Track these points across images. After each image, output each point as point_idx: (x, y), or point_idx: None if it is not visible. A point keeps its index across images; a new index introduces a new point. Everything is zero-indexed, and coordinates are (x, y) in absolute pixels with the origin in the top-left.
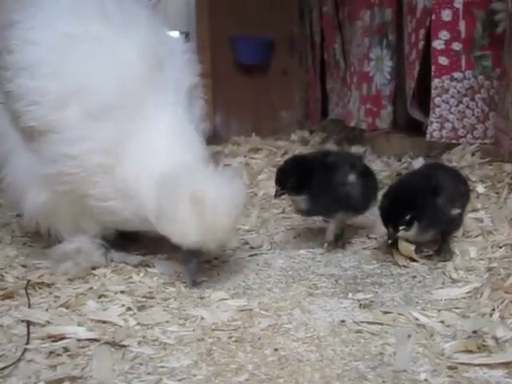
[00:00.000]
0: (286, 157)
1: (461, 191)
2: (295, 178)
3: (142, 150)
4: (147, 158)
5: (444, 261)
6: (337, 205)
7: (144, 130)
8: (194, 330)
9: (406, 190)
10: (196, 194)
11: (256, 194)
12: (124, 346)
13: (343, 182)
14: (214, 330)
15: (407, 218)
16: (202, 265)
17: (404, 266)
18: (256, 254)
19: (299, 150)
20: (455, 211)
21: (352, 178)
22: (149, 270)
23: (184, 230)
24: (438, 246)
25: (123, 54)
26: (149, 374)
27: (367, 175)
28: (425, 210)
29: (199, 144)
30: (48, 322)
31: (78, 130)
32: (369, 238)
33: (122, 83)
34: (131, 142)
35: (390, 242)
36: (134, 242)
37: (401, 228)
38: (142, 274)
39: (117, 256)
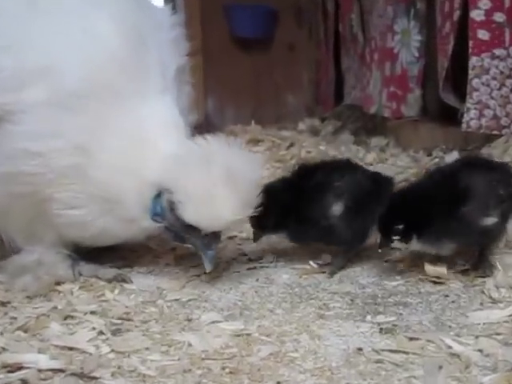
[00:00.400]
0: (292, 150)
1: (500, 195)
2: (272, 217)
3: (124, 148)
4: (131, 158)
5: (483, 277)
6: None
7: (125, 124)
8: (179, 359)
9: (409, 194)
10: (231, 170)
11: None
12: (94, 378)
13: (324, 215)
14: (203, 358)
15: (399, 227)
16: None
17: (435, 283)
18: (255, 268)
19: (308, 141)
20: (490, 220)
21: (336, 209)
22: (125, 285)
23: (220, 209)
24: (475, 260)
25: (98, 28)
26: None
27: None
28: (429, 221)
29: (186, 134)
30: (3, 349)
31: (41, 120)
32: (391, 249)
33: (97, 65)
34: (108, 138)
35: (379, 251)
36: (107, 251)
37: (394, 238)
38: (116, 291)
39: (86, 269)
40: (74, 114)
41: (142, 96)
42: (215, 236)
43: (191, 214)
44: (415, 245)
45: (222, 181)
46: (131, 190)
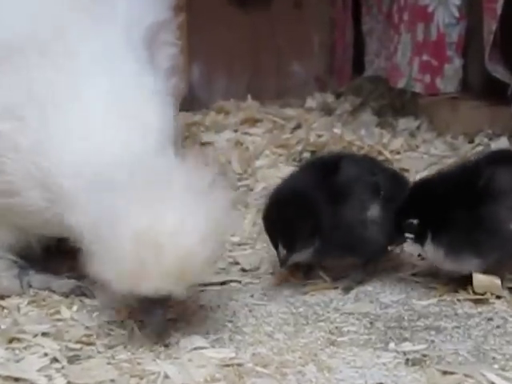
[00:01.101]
0: (299, 133)
1: None
2: (303, 227)
3: (70, 124)
4: (76, 139)
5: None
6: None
7: (73, 92)
8: None
9: (431, 185)
10: (145, 231)
11: (252, 189)
12: None
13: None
14: None
15: (413, 222)
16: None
17: (475, 302)
18: (251, 282)
19: (319, 122)
20: None
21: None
22: (86, 301)
23: (133, 275)
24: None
25: None
26: None
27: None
28: (447, 219)
29: (162, 116)
30: None
31: None
32: (422, 259)
33: (38, 12)
34: (52, 107)
35: (389, 248)
36: (64, 257)
37: (407, 236)
38: (75, 308)
39: (38, 279)
40: (4, 73)
41: (97, 55)
42: (155, 301)
43: (95, 265)
44: (428, 249)
45: (140, 234)
46: (72, 189)
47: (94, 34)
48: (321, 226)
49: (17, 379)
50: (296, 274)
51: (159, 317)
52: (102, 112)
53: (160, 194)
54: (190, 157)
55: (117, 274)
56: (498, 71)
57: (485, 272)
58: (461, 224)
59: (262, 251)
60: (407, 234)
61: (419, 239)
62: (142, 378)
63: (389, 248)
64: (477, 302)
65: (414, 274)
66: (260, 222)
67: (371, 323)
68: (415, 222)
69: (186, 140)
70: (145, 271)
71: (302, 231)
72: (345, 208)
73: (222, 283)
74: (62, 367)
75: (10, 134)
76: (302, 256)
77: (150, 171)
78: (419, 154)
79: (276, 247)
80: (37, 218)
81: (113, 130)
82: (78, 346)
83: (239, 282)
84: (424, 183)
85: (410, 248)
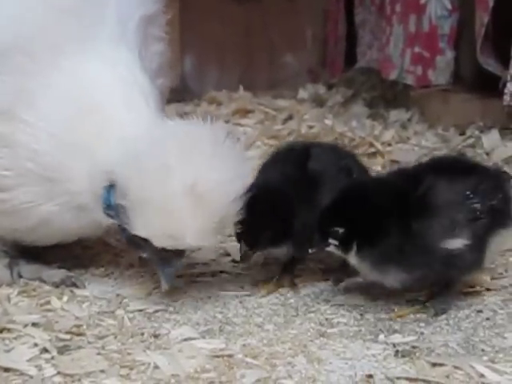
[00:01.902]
0: (290, 124)
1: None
2: (272, 228)
3: (66, 114)
4: (76, 128)
5: (434, 315)
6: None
7: (66, 84)
8: None
9: (361, 191)
10: (195, 184)
11: None
12: None
13: None
14: None
15: (339, 230)
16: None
17: (465, 294)
18: (242, 273)
19: (311, 113)
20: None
21: None
22: (76, 291)
23: (177, 229)
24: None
25: None
26: None
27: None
28: (374, 231)
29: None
30: None
31: None
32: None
33: (21, 12)
34: (45, 101)
35: (310, 252)
36: (55, 248)
37: (331, 242)
38: (65, 298)
39: (28, 269)
40: None
41: (89, 50)
42: (178, 252)
43: (139, 224)
44: (353, 258)
45: (189, 189)
46: (79, 169)
47: (84, 26)
48: (291, 226)
49: (7, 369)
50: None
51: (175, 268)
52: (108, 99)
53: (198, 152)
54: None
55: (163, 227)
56: (490, 64)
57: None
58: (390, 237)
59: None
60: (331, 240)
61: (344, 247)
62: (131, 369)
63: (309, 250)
64: (466, 294)
65: None
66: None
67: (361, 315)
68: (341, 230)
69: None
70: (191, 223)
71: (265, 231)
72: (320, 199)
73: (213, 274)
74: (52, 357)
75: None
76: (277, 252)
77: (177, 132)
78: (410, 146)
79: (238, 242)
80: (27, 218)
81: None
82: (68, 336)
83: (230, 273)
84: (356, 187)
85: (333, 251)
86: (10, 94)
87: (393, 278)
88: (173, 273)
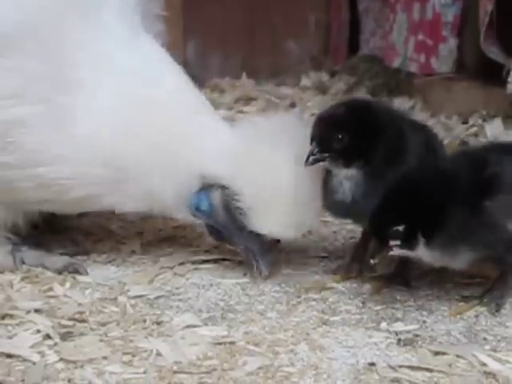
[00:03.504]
0: (293, 111)
1: None
2: (352, 133)
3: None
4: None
5: (496, 310)
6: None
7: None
8: (145, 372)
9: (415, 182)
10: (301, 168)
11: None
12: None
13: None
14: (175, 372)
15: (399, 228)
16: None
17: (468, 284)
18: (243, 261)
19: (314, 100)
20: None
21: None
22: (79, 278)
23: (300, 215)
24: (489, 286)
25: None
26: None
27: None
28: (441, 219)
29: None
30: None
31: None
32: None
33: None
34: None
35: (373, 262)
36: (56, 234)
37: (393, 243)
38: (68, 285)
39: (31, 256)
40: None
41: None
42: (276, 241)
43: (259, 221)
44: (423, 252)
45: (298, 176)
46: (161, 174)
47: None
48: None
49: (9, 355)
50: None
51: (270, 256)
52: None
53: (286, 142)
54: None
55: (286, 220)
56: (493, 52)
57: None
58: (457, 218)
59: None
60: (393, 242)
61: (409, 244)
62: (134, 356)
63: (372, 261)
64: (469, 284)
65: None
66: None
67: (363, 303)
68: (401, 228)
69: None
70: (307, 212)
71: None
72: None
73: (215, 261)
74: (55, 344)
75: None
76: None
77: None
78: None
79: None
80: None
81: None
82: (71, 322)
83: (232, 260)
84: (407, 180)
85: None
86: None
87: (462, 259)
88: (270, 260)
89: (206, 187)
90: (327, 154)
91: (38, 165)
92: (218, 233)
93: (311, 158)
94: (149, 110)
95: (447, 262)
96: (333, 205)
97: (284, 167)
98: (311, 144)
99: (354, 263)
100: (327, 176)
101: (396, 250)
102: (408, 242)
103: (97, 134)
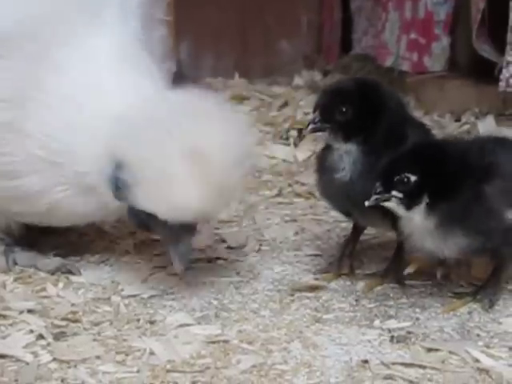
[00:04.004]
0: (286, 110)
1: None
2: (356, 107)
3: (71, 92)
4: (81, 106)
5: (489, 307)
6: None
7: (70, 61)
8: (138, 371)
9: (441, 145)
10: (198, 146)
11: None
12: None
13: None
14: (169, 371)
15: (409, 178)
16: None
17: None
18: (237, 260)
19: (306, 100)
20: None
21: None
22: (72, 278)
23: (182, 196)
24: (484, 282)
25: None
26: None
27: None
28: (453, 189)
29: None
30: None
31: None
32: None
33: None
34: (48, 80)
35: (366, 203)
36: (50, 235)
37: (394, 194)
38: (61, 285)
39: (23, 256)
40: None
41: (91, 27)
42: (188, 227)
43: (143, 197)
44: (418, 215)
45: (189, 153)
46: (84, 150)
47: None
48: None
49: (2, 356)
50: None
51: (187, 246)
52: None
53: (196, 118)
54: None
55: (166, 198)
56: (486, 50)
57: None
58: (462, 194)
59: (248, 229)
60: (395, 192)
61: (409, 201)
62: (127, 355)
63: (366, 203)
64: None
65: None
66: (246, 199)
67: (356, 300)
68: (413, 178)
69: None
70: (194, 191)
71: None
72: None
73: (209, 260)
74: (48, 344)
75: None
76: None
77: (177, 103)
78: None
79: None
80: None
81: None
82: (64, 322)
83: (225, 259)
84: (431, 140)
85: (391, 207)
86: (16, 81)
87: (453, 243)
88: (185, 252)
89: (119, 165)
90: (328, 125)
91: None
92: (139, 220)
93: (311, 125)
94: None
95: (438, 243)
96: (329, 184)
97: (174, 143)
98: (313, 113)
99: (345, 259)
100: (324, 154)
101: (392, 203)
102: (410, 198)
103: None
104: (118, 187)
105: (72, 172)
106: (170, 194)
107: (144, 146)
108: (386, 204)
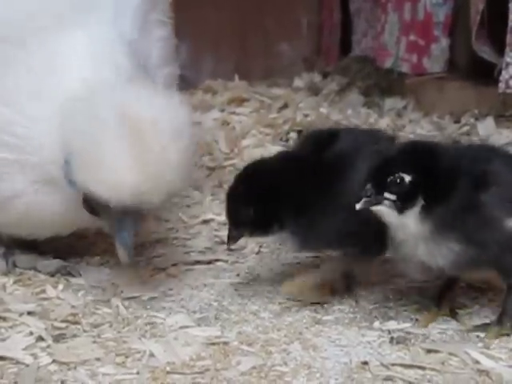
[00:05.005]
0: (286, 112)
1: None
2: (261, 205)
3: (31, 76)
4: (41, 81)
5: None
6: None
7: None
8: (138, 373)
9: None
10: (131, 117)
11: (238, 168)
12: None
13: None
14: (169, 372)
15: (403, 179)
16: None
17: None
18: (237, 262)
19: (306, 101)
20: None
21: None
22: (72, 280)
23: (116, 174)
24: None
25: None
26: None
27: None
28: (450, 191)
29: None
30: None
31: None
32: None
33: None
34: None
35: (357, 207)
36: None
37: (387, 196)
38: (61, 287)
39: (23, 259)
40: None
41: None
42: (127, 212)
43: (83, 178)
44: (412, 219)
45: (119, 132)
46: (40, 140)
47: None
48: (282, 210)
49: (2, 358)
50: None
51: (130, 232)
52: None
53: (138, 100)
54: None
55: (104, 173)
56: (485, 51)
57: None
58: (458, 199)
59: None
60: (387, 194)
61: (403, 204)
62: (127, 357)
63: (357, 206)
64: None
65: None
66: None
67: (356, 302)
68: (408, 178)
69: None
70: (129, 163)
71: (247, 210)
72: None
73: (208, 262)
74: (48, 346)
75: None
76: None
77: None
78: (405, 134)
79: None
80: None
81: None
82: (64, 324)
83: (225, 261)
84: (428, 142)
85: (381, 211)
86: None
87: (447, 252)
88: (127, 240)
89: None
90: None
91: None
92: (89, 204)
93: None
94: None
95: (431, 249)
96: None
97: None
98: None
99: (342, 279)
100: None
101: (383, 207)
102: (404, 200)
103: None
104: (68, 173)
105: (36, 167)
106: (105, 172)
107: (81, 126)
108: (377, 208)
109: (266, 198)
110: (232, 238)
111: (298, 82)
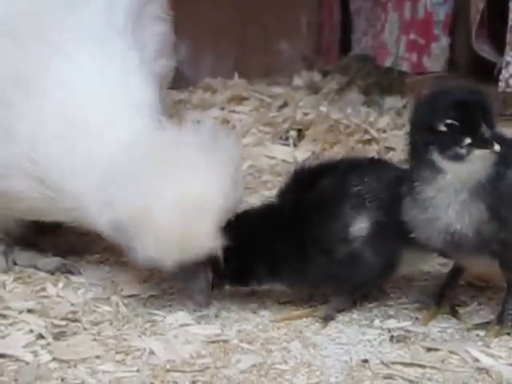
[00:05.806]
0: (286, 111)
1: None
2: (237, 261)
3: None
4: (63, 123)
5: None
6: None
7: (52, 75)
8: (138, 371)
9: None
10: (182, 197)
11: None
12: None
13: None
14: (168, 370)
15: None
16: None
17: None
18: None
19: (306, 100)
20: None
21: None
22: (72, 278)
23: (196, 238)
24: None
25: None
26: None
27: None
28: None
29: (151, 90)
30: None
31: None
32: None
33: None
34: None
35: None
36: (49, 235)
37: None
38: (61, 285)
39: (23, 257)
40: None
41: (77, 35)
42: (197, 263)
43: (151, 250)
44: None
45: (179, 204)
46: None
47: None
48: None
49: (2, 355)
50: None
51: (203, 280)
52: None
53: (181, 164)
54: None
55: (166, 245)
56: (485, 50)
57: None
58: None
59: None
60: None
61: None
62: (127, 354)
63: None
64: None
65: None
66: (246, 200)
67: (356, 300)
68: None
69: (172, 118)
70: (192, 233)
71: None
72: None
73: None
74: (48, 344)
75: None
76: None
77: (159, 146)
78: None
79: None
80: (26, 204)
81: (110, 114)
82: (64, 322)
83: None
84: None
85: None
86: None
87: (477, 214)
88: (204, 287)
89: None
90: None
91: None
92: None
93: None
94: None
95: (462, 210)
96: None
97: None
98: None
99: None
100: None
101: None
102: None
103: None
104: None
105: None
106: (169, 241)
107: (133, 198)
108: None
109: (241, 253)
110: (215, 286)
111: (298, 81)
